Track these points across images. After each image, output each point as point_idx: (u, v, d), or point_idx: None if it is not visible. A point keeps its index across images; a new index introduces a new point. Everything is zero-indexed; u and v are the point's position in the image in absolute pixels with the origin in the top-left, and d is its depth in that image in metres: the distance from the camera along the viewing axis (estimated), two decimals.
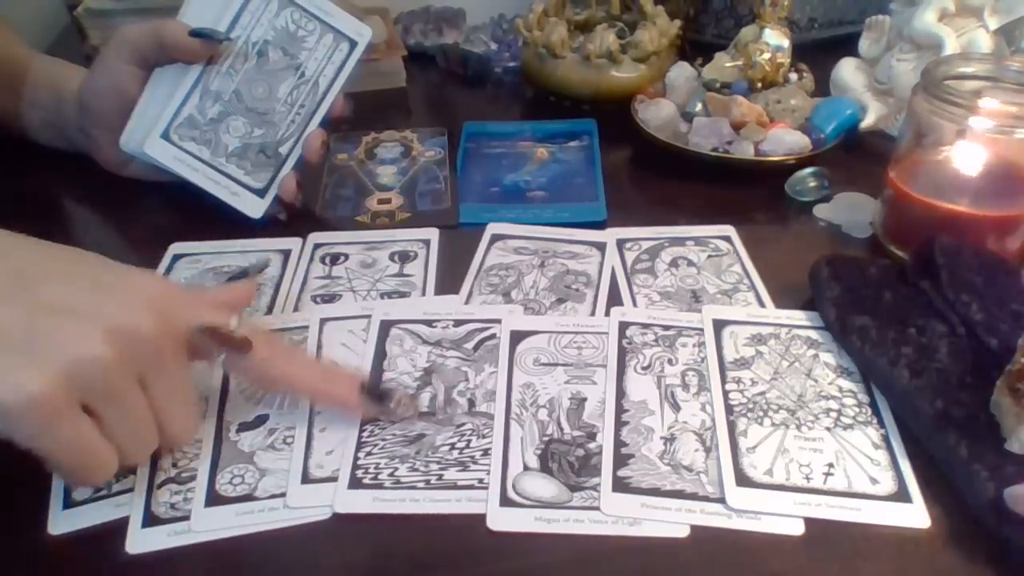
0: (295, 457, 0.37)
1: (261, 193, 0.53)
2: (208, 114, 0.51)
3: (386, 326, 0.44)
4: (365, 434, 0.38)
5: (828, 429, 0.38)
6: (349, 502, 0.35)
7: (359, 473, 0.36)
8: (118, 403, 0.31)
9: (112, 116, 0.53)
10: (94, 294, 0.32)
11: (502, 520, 0.34)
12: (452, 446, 0.37)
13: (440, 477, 0.36)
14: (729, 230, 0.53)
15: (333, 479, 0.36)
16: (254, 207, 0.53)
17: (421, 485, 0.36)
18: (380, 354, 0.42)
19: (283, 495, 0.35)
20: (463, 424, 0.39)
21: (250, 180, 0.52)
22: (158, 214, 0.56)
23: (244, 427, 0.38)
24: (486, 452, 0.37)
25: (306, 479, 0.36)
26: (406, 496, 0.35)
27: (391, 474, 0.36)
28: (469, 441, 0.38)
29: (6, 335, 0.29)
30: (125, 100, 0.52)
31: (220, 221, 0.52)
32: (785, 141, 0.57)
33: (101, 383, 0.30)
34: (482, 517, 0.34)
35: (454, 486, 0.36)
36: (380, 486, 0.35)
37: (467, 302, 0.47)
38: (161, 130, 0.51)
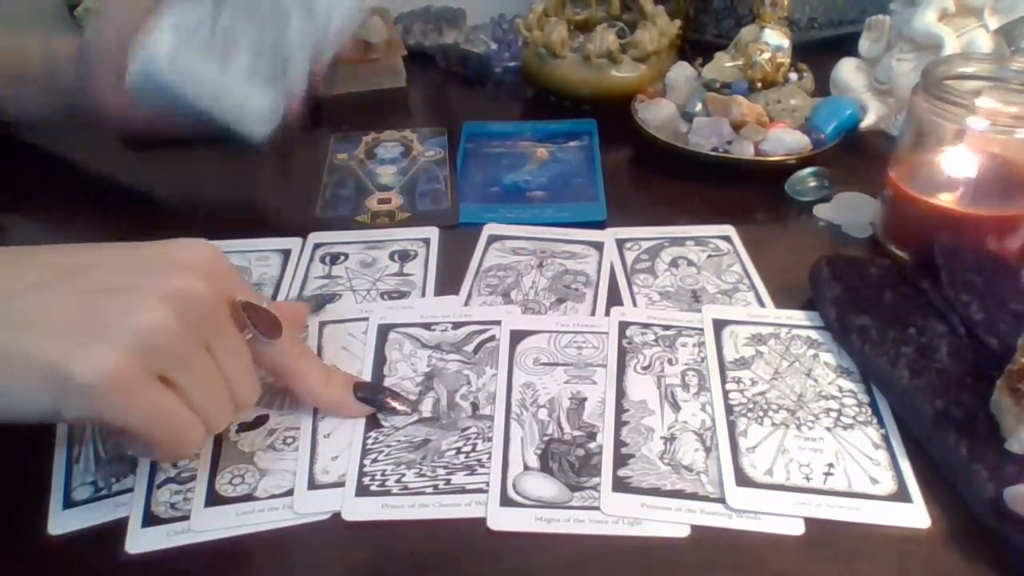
0: (300, 463, 0.37)
1: (267, 117, 0.52)
2: (217, 35, 0.50)
3: (384, 330, 0.44)
4: (370, 441, 0.38)
5: (828, 429, 0.38)
6: (358, 510, 0.35)
7: (366, 480, 0.36)
8: (191, 368, 0.31)
9: (118, 52, 0.51)
10: (140, 269, 0.32)
11: (502, 520, 0.34)
12: (458, 450, 0.37)
13: (448, 482, 0.36)
14: (729, 230, 0.53)
15: (339, 484, 0.36)
16: (260, 122, 0.52)
17: (429, 490, 0.35)
18: (380, 359, 0.42)
19: (283, 495, 0.35)
20: (468, 428, 0.39)
21: (256, 101, 0.51)
22: (158, 214, 0.56)
23: (244, 427, 0.38)
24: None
25: (312, 485, 0.36)
26: (415, 502, 0.35)
27: (398, 480, 0.36)
28: (475, 445, 0.38)
29: (64, 321, 0.29)
30: (135, 29, 0.51)
31: (220, 221, 0.52)
32: (785, 141, 0.57)
33: (172, 349, 0.30)
34: (482, 517, 0.34)
35: (462, 490, 0.36)
36: (388, 493, 0.35)
37: (467, 303, 0.47)
38: (168, 51, 0.49)
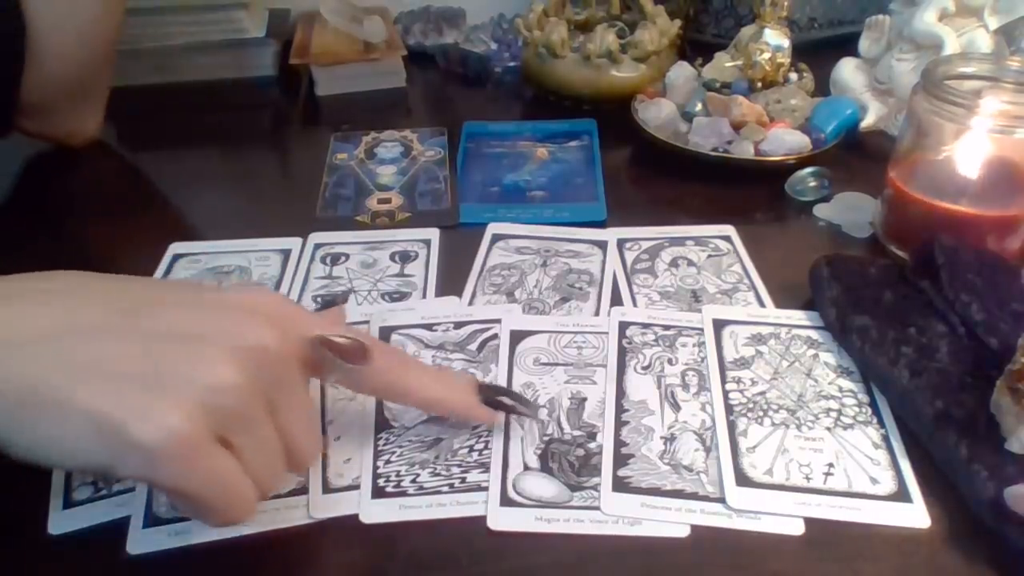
0: (313, 467, 0.36)
1: None
2: None
3: (386, 333, 0.44)
4: (381, 442, 0.38)
5: (828, 429, 0.38)
6: (375, 512, 0.35)
7: (380, 482, 0.36)
8: (252, 431, 0.29)
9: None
10: (208, 316, 0.29)
11: (502, 520, 0.34)
12: (471, 448, 0.37)
13: (463, 480, 0.36)
14: (729, 230, 0.53)
15: (354, 487, 0.36)
16: None
17: (445, 489, 0.35)
18: None
19: (285, 496, 0.35)
20: (478, 426, 0.38)
21: None
22: (158, 214, 0.56)
23: None
24: None
25: (327, 488, 0.35)
26: (432, 501, 0.35)
27: (413, 480, 0.36)
28: (487, 442, 0.38)
29: (129, 372, 0.27)
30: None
31: (220, 221, 0.52)
32: (785, 141, 0.57)
33: (237, 411, 0.28)
34: (482, 517, 0.34)
35: (478, 488, 0.36)
36: (404, 493, 0.35)
37: (471, 303, 0.47)
38: None
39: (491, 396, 0.37)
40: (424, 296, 0.47)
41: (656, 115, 0.61)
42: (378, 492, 0.35)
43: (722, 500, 0.35)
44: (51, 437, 0.26)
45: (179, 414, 0.26)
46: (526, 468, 0.36)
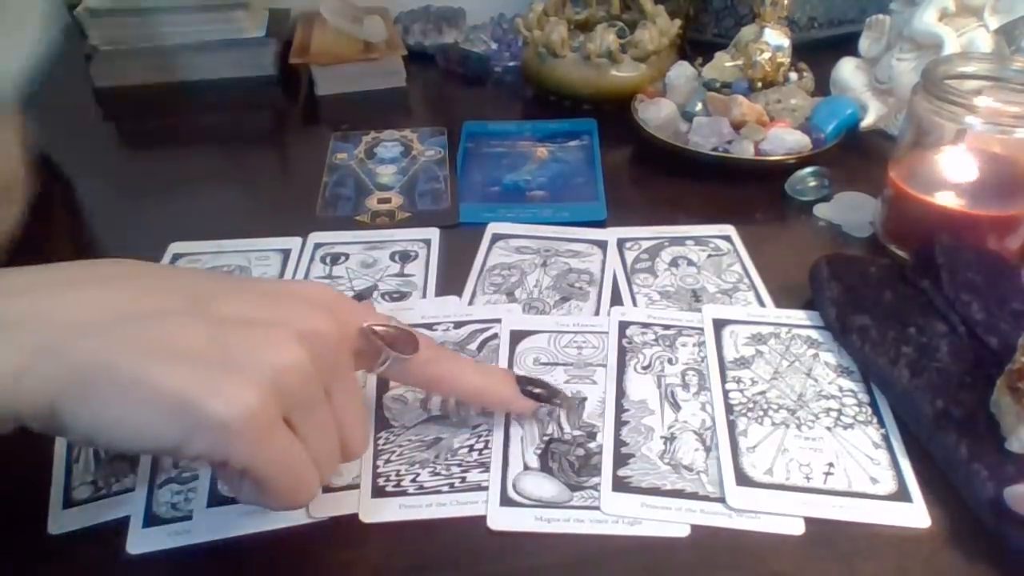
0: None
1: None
2: None
3: None
4: (381, 441, 0.38)
5: (828, 429, 0.38)
6: (375, 511, 0.35)
7: (380, 481, 0.36)
8: (315, 415, 0.29)
9: None
10: (271, 303, 0.30)
11: (502, 520, 0.34)
12: (471, 448, 0.37)
13: (463, 480, 0.36)
14: (729, 229, 0.53)
15: (354, 487, 0.36)
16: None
17: (446, 489, 0.35)
18: None
19: None
20: (478, 425, 0.38)
21: None
22: (158, 214, 0.56)
23: None
24: None
25: (327, 488, 0.35)
26: (432, 501, 0.35)
27: (413, 480, 0.36)
28: (487, 442, 0.38)
29: (200, 353, 0.27)
30: None
31: (220, 221, 0.52)
32: (785, 140, 0.57)
33: (304, 393, 0.28)
34: (482, 517, 0.34)
35: (478, 487, 0.36)
36: (404, 493, 0.35)
37: (471, 302, 0.47)
38: None
39: (528, 387, 0.37)
40: (424, 296, 0.47)
41: (656, 115, 0.61)
42: (378, 491, 0.35)
43: (722, 500, 0.35)
44: (119, 418, 0.26)
45: (254, 391, 0.26)
46: (526, 468, 0.36)
